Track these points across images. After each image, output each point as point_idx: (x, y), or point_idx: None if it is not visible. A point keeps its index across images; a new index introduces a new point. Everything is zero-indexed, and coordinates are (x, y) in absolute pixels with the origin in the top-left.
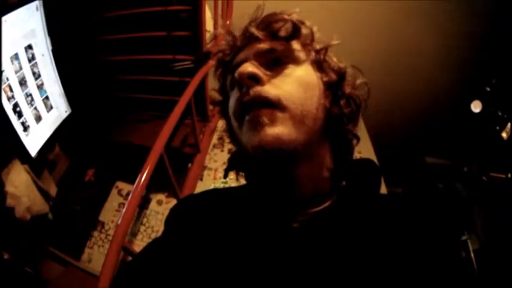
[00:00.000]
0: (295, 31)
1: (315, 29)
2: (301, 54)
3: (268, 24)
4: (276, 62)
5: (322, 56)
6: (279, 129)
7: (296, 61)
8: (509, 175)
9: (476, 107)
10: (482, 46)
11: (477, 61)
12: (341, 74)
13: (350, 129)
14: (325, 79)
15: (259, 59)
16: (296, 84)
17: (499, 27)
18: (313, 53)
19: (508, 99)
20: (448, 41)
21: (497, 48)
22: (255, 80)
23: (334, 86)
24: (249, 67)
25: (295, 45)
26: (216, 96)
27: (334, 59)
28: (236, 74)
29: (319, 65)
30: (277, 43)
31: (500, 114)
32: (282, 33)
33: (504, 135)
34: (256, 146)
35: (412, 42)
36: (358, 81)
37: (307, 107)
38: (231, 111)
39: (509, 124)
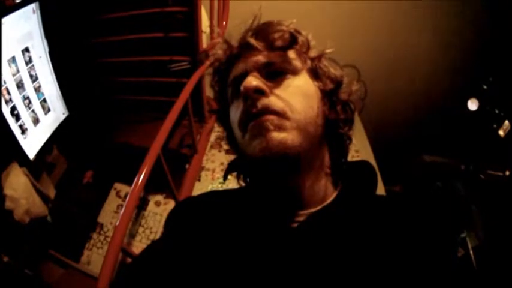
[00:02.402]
0: (292, 41)
1: (310, 37)
2: (298, 63)
3: (266, 34)
4: (275, 73)
5: (317, 64)
6: (284, 135)
7: (294, 71)
8: (506, 173)
9: (473, 104)
10: (479, 44)
11: (474, 59)
12: (337, 82)
13: (346, 133)
14: (322, 87)
15: (259, 71)
16: (297, 95)
17: (496, 26)
18: (308, 61)
19: (505, 97)
20: (445, 39)
21: (494, 46)
22: (261, 92)
23: (330, 94)
24: (253, 81)
25: (292, 54)
26: (214, 104)
27: (330, 68)
28: (242, 88)
29: (315, 73)
30: (274, 54)
31: (497, 112)
32: (279, 43)
33: (501, 133)
34: (262, 149)
35: (409, 41)
36: (354, 88)
37: (309, 116)
38: (234, 122)
39: (506, 122)
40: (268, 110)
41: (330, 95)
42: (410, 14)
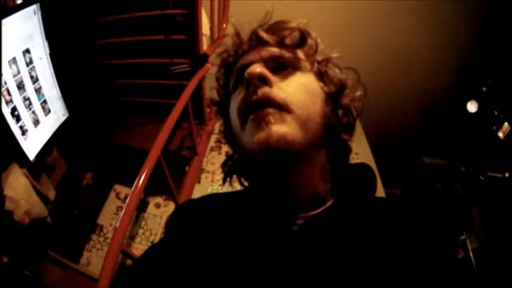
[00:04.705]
0: (302, 40)
1: (318, 40)
2: (306, 63)
3: (277, 30)
4: (282, 68)
5: (323, 68)
6: (285, 129)
7: (301, 69)
8: (506, 174)
9: (472, 106)
10: (479, 46)
11: (473, 61)
12: (341, 86)
13: (346, 138)
14: (326, 89)
15: (266, 63)
16: (301, 90)
17: (496, 27)
18: (316, 64)
19: (504, 99)
20: (445, 41)
21: (493, 48)
22: (264, 81)
23: (334, 97)
24: (258, 68)
25: (300, 54)
26: (215, 96)
27: (336, 70)
28: (246, 74)
29: (321, 75)
30: (284, 50)
31: (496, 114)
32: (289, 40)
33: (500, 134)
34: (262, 143)
35: (409, 43)
36: (357, 93)
37: (311, 112)
38: (234, 110)
39: (505, 124)
40: (269, 100)
41: (333, 98)
42: (409, 16)
